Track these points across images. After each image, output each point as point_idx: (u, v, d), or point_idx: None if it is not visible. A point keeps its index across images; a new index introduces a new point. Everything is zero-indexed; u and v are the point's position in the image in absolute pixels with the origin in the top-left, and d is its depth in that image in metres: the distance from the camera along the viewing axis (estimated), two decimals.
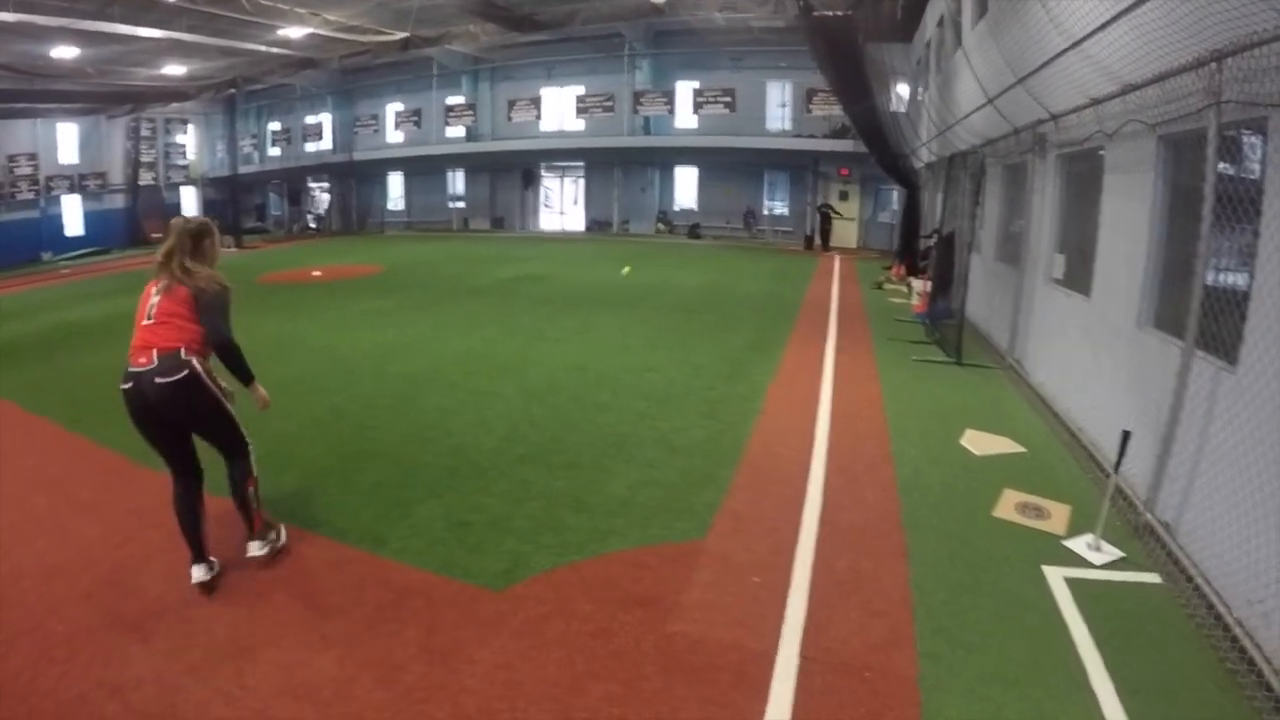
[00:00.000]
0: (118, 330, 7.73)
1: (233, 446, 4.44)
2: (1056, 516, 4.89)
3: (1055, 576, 4.18)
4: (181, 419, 4.19)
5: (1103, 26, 5.64)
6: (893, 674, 3.42)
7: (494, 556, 4.63)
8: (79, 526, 5.34)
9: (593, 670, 3.53)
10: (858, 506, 5.15)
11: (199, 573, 4.27)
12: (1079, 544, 4.50)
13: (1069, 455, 6.11)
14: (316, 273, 20.32)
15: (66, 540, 5.15)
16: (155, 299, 4.17)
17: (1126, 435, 4.51)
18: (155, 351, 4.02)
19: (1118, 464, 4.55)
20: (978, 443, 6.33)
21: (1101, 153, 6.46)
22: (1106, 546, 4.44)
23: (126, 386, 4.05)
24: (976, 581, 4.16)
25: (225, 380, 4.40)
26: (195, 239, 4.34)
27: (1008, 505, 5.08)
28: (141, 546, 4.94)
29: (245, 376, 4.37)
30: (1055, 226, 7.96)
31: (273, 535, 4.74)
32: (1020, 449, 6.23)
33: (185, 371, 4.04)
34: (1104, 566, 4.28)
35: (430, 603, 4.17)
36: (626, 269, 17.62)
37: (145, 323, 4.12)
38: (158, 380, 3.99)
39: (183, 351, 4.05)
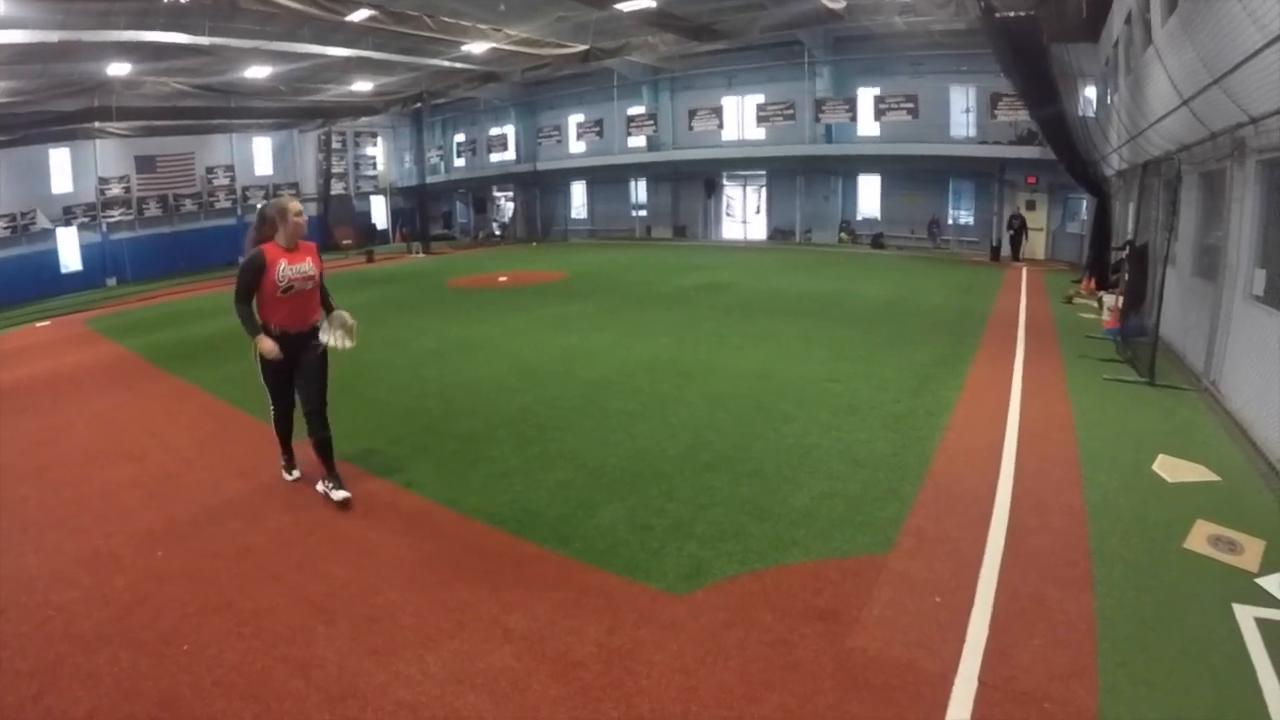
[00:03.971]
0: None
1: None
2: (1250, 552, 4.75)
3: (1245, 616, 3.99)
4: None
5: None
6: (1072, 706, 3.35)
7: (676, 561, 4.76)
8: (271, 512, 5.76)
9: (769, 680, 3.58)
10: (1044, 531, 5.07)
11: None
12: (1272, 582, 4.35)
13: (1266, 487, 5.72)
14: (503, 278, 21.30)
15: (259, 524, 5.56)
16: None
17: None
18: None
19: None
20: (1170, 469, 6.15)
21: None
22: None
23: None
24: (1163, 616, 4.02)
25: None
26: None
27: (1199, 537, 4.95)
28: (329, 534, 5.36)
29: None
30: (1256, 239, 7.52)
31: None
32: (1215, 478, 5.94)
33: None
34: None
35: (611, 603, 4.29)
36: None
37: None
38: None
39: None
